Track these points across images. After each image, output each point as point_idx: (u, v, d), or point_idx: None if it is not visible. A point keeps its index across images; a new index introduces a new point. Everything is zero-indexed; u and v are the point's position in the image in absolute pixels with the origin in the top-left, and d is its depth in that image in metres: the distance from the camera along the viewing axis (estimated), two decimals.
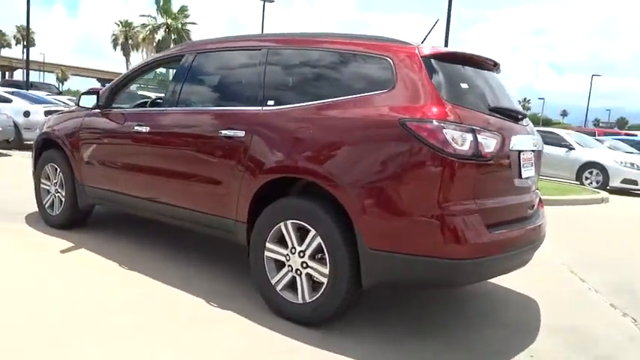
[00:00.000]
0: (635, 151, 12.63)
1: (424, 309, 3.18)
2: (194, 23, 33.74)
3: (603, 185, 10.78)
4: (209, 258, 3.87)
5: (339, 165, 2.57)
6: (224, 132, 3.04)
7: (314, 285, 2.72)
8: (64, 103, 12.53)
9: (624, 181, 10.80)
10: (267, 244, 2.87)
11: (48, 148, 4.46)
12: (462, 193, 2.40)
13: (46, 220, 4.46)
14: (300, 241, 2.74)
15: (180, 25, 33.01)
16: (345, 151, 2.58)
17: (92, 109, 4.07)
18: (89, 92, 4.00)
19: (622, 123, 75.33)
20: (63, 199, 4.28)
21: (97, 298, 2.98)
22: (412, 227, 2.41)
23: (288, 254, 2.79)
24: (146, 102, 4.27)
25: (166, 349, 2.42)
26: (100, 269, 3.47)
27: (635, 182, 10.81)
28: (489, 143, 2.46)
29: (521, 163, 2.78)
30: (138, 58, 47.99)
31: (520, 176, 2.78)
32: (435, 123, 2.38)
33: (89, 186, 4.05)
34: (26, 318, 2.64)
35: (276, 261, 2.87)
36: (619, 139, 14.78)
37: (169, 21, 32.73)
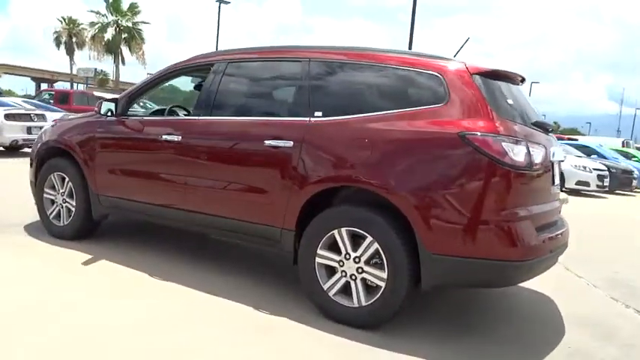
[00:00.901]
0: (582, 155, 13.61)
1: (454, 308, 3.38)
2: (146, 22, 32.73)
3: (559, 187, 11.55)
4: (240, 265, 3.91)
5: (399, 175, 2.72)
6: (270, 142, 3.11)
7: (368, 289, 2.85)
8: (19, 104, 11.90)
9: (578, 182, 11.67)
10: (319, 251, 2.96)
11: (53, 157, 4.31)
12: (517, 200, 2.61)
13: (50, 231, 4.30)
14: (354, 248, 2.86)
15: (131, 24, 31.87)
16: (404, 162, 2.73)
17: (105, 116, 3.99)
18: (109, 100, 3.91)
19: (555, 127, 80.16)
20: (73, 209, 4.16)
21: (146, 311, 2.95)
22: (472, 233, 2.60)
23: (341, 260, 2.90)
24: (161, 110, 4.22)
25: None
26: (133, 281, 3.42)
27: (587, 184, 11.71)
28: (538, 154, 2.70)
29: (554, 171, 3.05)
30: (84, 57, 45.90)
31: (554, 184, 3.04)
32: (495, 136, 2.58)
33: (105, 195, 3.97)
34: (90, 333, 2.60)
35: (327, 267, 2.97)
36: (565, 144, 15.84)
37: (120, 19, 31.52)
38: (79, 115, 4.79)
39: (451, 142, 2.63)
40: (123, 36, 31.86)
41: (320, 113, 3.04)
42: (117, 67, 32.79)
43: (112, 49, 31.58)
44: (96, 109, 3.96)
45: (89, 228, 4.22)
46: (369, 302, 2.81)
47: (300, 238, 3.07)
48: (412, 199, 2.66)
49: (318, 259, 2.97)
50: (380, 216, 2.78)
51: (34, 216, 4.80)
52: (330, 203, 3.03)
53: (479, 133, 2.59)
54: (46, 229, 4.36)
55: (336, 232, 2.90)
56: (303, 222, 3.05)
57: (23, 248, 3.96)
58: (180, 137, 3.50)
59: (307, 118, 3.06)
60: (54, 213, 4.31)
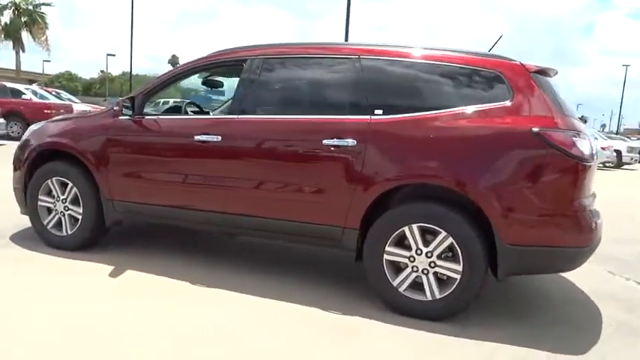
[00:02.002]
0: None
1: (493, 296, 3.57)
2: (48, 4, 29.67)
3: None
4: (279, 266, 3.82)
5: (475, 171, 2.81)
6: (329, 141, 3.06)
7: (439, 282, 2.94)
8: None
9: None
10: (387, 249, 2.99)
11: (49, 161, 3.90)
12: (583, 190, 2.82)
13: (48, 241, 3.91)
14: (425, 243, 2.93)
15: (32, 7, 28.80)
16: (478, 159, 2.83)
17: (117, 115, 3.68)
18: (127, 99, 3.58)
19: None
20: (79, 217, 3.80)
21: (219, 320, 2.82)
22: (547, 223, 2.77)
23: (412, 256, 2.95)
24: (172, 108, 3.96)
25: None
26: (179, 290, 3.22)
27: None
28: (594, 147, 2.92)
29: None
30: None
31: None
32: (564, 131, 2.76)
33: (122, 201, 3.68)
34: (183, 345, 2.43)
35: (395, 263, 3.02)
36: None
37: (19, 0, 28.35)
38: (78, 114, 4.35)
39: (524, 138, 2.77)
40: (23, 19, 28.83)
41: (380, 111, 3.04)
42: (17, 53, 29.67)
43: (10, 33, 28.45)
44: (116, 107, 3.62)
45: (98, 237, 3.89)
46: (444, 295, 2.90)
47: (363, 236, 3.08)
48: (489, 194, 2.77)
49: (386, 257, 3.00)
50: (453, 211, 2.87)
51: (16, 225, 4.35)
52: (395, 201, 3.06)
53: (550, 129, 2.76)
54: (43, 239, 3.95)
55: (406, 228, 2.94)
56: (366, 220, 3.06)
57: (26, 263, 3.57)
58: (220, 138, 3.32)
59: (367, 117, 3.05)
60: (53, 222, 3.91)
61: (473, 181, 2.80)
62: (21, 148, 4.06)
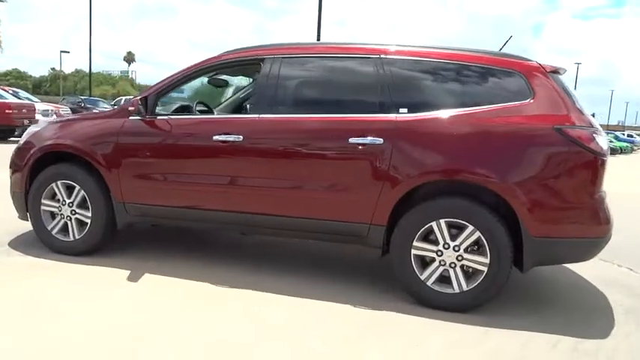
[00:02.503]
0: None
1: (512, 286, 3.72)
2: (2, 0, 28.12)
3: None
4: (293, 264, 3.83)
5: (502, 167, 2.92)
6: (355, 139, 3.10)
7: (466, 274, 3.04)
8: None
9: None
10: (415, 243, 3.07)
11: (52, 163, 3.76)
12: (601, 184, 2.98)
13: (53, 247, 3.78)
14: (452, 237, 3.02)
15: None
16: (505, 155, 2.94)
17: (128, 116, 3.60)
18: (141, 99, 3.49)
19: None
20: (88, 221, 3.69)
21: (258, 321, 2.81)
22: (570, 215, 2.92)
23: (439, 250, 3.04)
24: (182, 108, 3.89)
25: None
26: (205, 292, 3.19)
27: None
28: (608, 143, 3.08)
29: None
30: None
31: None
32: (584, 128, 2.91)
33: (134, 203, 3.60)
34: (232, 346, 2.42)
35: (423, 257, 3.10)
36: None
37: None
38: (84, 114, 4.20)
39: (546, 134, 2.90)
40: None
41: (405, 110, 3.11)
42: None
43: None
44: (131, 108, 3.51)
45: (108, 241, 3.79)
46: (471, 287, 3.00)
47: (389, 232, 3.14)
48: (515, 189, 2.89)
49: (414, 251, 3.08)
50: (481, 206, 2.97)
51: (9, 231, 4.18)
52: (419, 197, 3.13)
53: (570, 126, 2.90)
54: (47, 245, 3.82)
55: (434, 223, 3.02)
56: (392, 216, 3.13)
57: (38, 270, 3.44)
58: (241, 137, 3.30)
59: (393, 115, 3.11)
60: (58, 227, 3.78)
61: (499, 176, 2.91)
62: (21, 150, 3.89)
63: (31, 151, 3.79)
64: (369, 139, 3.08)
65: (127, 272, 3.45)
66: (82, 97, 26.57)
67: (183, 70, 3.69)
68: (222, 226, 3.61)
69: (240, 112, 4.60)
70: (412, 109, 3.10)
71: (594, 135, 2.92)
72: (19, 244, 3.98)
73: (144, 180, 3.55)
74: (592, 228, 2.94)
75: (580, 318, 3.12)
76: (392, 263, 3.16)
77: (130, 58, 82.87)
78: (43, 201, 3.78)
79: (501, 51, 3.42)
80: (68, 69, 65.27)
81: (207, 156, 3.43)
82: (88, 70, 31.12)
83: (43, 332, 2.54)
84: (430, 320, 2.92)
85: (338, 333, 2.71)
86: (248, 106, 3.58)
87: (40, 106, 15.12)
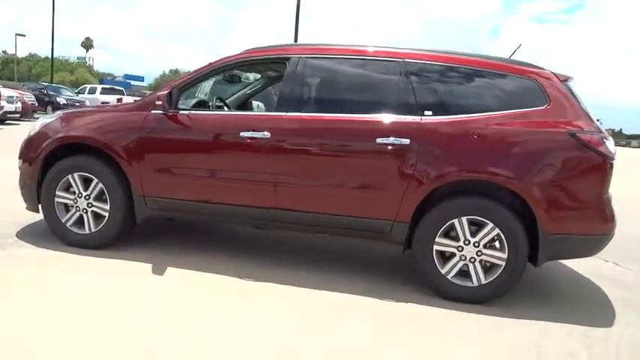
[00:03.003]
0: None
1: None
2: None
3: None
4: (311, 257, 3.94)
5: (522, 169, 3.12)
6: (383, 139, 3.24)
7: (485, 269, 3.24)
8: None
9: None
10: (437, 240, 3.24)
11: (69, 155, 3.72)
12: (609, 185, 3.23)
13: (67, 240, 3.75)
14: (472, 234, 3.21)
15: None
16: (525, 157, 3.14)
17: (148, 109, 3.61)
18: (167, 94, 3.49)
19: None
20: (105, 214, 3.68)
21: (291, 314, 2.92)
22: (581, 214, 3.16)
23: (460, 246, 3.23)
24: (201, 102, 3.92)
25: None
26: (234, 286, 3.26)
27: None
28: (615, 147, 3.34)
29: None
30: None
31: None
32: (595, 133, 3.15)
33: (155, 197, 3.62)
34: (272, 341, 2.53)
35: (443, 253, 3.28)
36: None
37: None
38: (99, 107, 4.14)
39: (561, 139, 3.12)
40: None
41: (430, 112, 3.27)
42: None
43: None
44: (159, 102, 3.50)
45: (124, 234, 3.79)
46: (489, 280, 3.21)
47: (412, 228, 3.30)
48: (533, 189, 3.10)
49: (436, 247, 3.25)
50: (500, 204, 3.17)
51: (16, 222, 4.11)
52: (439, 196, 3.30)
53: (583, 131, 3.14)
54: (60, 237, 3.78)
55: (456, 221, 3.20)
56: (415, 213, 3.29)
57: (53, 263, 3.42)
58: (268, 134, 3.37)
59: (418, 117, 3.26)
60: (73, 219, 3.75)
61: (519, 177, 3.12)
62: (33, 141, 3.83)
63: (46, 142, 3.74)
64: (396, 140, 3.22)
65: (149, 266, 3.47)
66: (44, 84, 25.50)
67: (207, 66, 3.72)
68: (245, 220, 3.68)
69: (246, 108, 4.67)
70: (436, 112, 3.27)
71: (604, 140, 3.17)
72: (27, 235, 3.93)
73: (167, 174, 3.57)
74: (600, 226, 3.20)
75: (584, 309, 3.38)
76: (414, 258, 3.33)
77: (88, 45, 79.77)
78: (57, 193, 3.74)
79: (511, 58, 3.63)
80: (21, 53, 62.20)
81: (234, 151, 3.49)
82: (42, 55, 29.88)
83: (77, 326, 2.55)
84: (452, 311, 3.10)
85: (371, 324, 2.85)
86: (275, 102, 3.64)
87: (4, 92, 14.53)
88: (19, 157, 3.92)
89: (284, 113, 3.44)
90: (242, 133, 3.42)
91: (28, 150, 3.84)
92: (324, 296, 3.20)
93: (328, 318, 2.89)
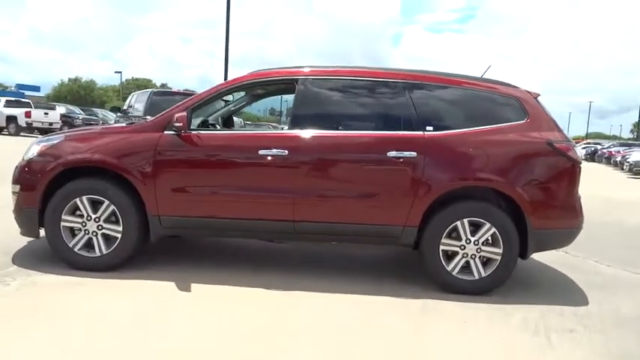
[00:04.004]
0: None
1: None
2: None
3: None
4: (327, 264, 4.19)
5: (512, 174, 3.62)
6: (393, 153, 3.59)
7: (484, 263, 3.69)
8: None
9: None
10: (443, 240, 3.65)
11: (76, 178, 3.69)
12: (578, 186, 3.82)
13: (75, 263, 3.71)
14: (471, 233, 3.65)
15: None
16: (512, 164, 3.64)
17: (160, 130, 3.69)
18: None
19: None
20: (118, 235, 3.69)
21: (326, 318, 3.16)
22: (560, 211, 3.71)
23: (463, 244, 3.65)
24: (204, 122, 4.05)
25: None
26: (263, 299, 3.43)
27: None
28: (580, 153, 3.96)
29: None
30: None
31: None
32: (569, 143, 3.73)
33: (170, 216, 3.70)
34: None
35: (447, 251, 3.68)
36: None
37: None
38: (103, 128, 4.08)
39: (543, 148, 3.67)
40: None
41: (431, 127, 3.68)
42: None
43: None
44: (179, 123, 3.57)
45: (135, 254, 3.80)
46: (488, 273, 3.66)
47: (420, 231, 3.68)
48: (522, 192, 3.60)
49: (442, 247, 3.66)
50: (495, 206, 3.65)
51: (5, 250, 4.01)
52: (445, 201, 3.70)
53: (558, 141, 3.70)
54: (67, 262, 3.74)
55: (459, 222, 3.63)
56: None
57: (77, 287, 3.41)
58: (287, 152, 3.60)
59: (421, 132, 3.66)
60: (81, 243, 3.71)
61: (510, 182, 3.61)
62: (32, 164, 3.74)
63: (50, 166, 3.67)
64: (405, 153, 3.60)
65: (172, 284, 3.54)
66: None
67: (215, 88, 3.88)
68: (264, 234, 3.86)
69: (229, 125, 4.84)
70: (438, 127, 3.69)
71: (573, 147, 3.77)
72: (26, 261, 3.81)
73: (185, 193, 3.66)
74: (574, 220, 3.78)
75: (560, 292, 3.95)
76: (423, 258, 3.71)
77: None
78: (63, 217, 3.68)
79: (483, 77, 4.15)
80: None
81: (253, 169, 3.66)
82: None
83: (146, 348, 2.64)
84: (461, 303, 3.51)
85: (407, 321, 3.18)
86: (287, 122, 3.87)
87: None
88: (15, 183, 3.80)
89: (299, 131, 3.69)
90: (260, 151, 3.61)
91: (27, 174, 3.74)
92: (349, 300, 3.47)
93: (365, 318, 3.18)
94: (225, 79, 17.14)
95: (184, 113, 3.61)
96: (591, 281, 4.27)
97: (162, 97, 11.97)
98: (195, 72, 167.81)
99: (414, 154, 3.60)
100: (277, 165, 3.62)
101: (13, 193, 3.83)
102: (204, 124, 4.15)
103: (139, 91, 13.95)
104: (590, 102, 65.84)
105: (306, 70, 3.86)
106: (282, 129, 4.37)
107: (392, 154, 3.61)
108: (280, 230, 3.74)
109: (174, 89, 12.94)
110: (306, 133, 3.67)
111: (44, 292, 3.27)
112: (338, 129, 3.77)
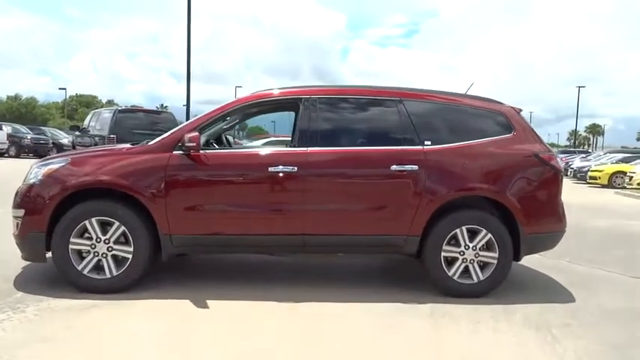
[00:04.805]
0: None
1: None
2: None
3: None
4: (336, 276, 4.33)
5: (505, 184, 3.92)
6: (396, 167, 3.82)
7: (481, 267, 3.96)
8: None
9: None
10: (444, 247, 3.90)
11: (84, 200, 3.69)
12: (561, 192, 4.18)
13: (85, 286, 3.70)
14: (470, 239, 3.92)
15: None
16: (504, 174, 3.96)
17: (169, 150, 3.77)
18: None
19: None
20: (129, 256, 3.71)
21: (347, 330, 3.31)
22: (549, 216, 4.05)
23: (462, 250, 3.92)
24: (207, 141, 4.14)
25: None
26: (273, 312, 3.55)
27: None
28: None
29: None
30: None
31: None
32: (552, 153, 4.09)
33: (182, 235, 3.76)
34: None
35: (447, 257, 3.93)
36: None
37: None
38: (108, 149, 4.06)
39: (530, 159, 4.01)
40: None
41: (429, 142, 3.94)
42: None
43: None
44: (192, 143, 3.64)
45: (145, 274, 3.82)
46: (487, 276, 3.93)
47: (422, 240, 3.91)
48: (514, 200, 3.91)
49: (443, 254, 3.90)
50: (490, 214, 3.94)
51: (3, 276, 3.95)
52: (445, 210, 3.95)
53: (542, 152, 4.06)
54: (76, 285, 3.72)
55: (458, 230, 3.89)
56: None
57: (98, 310, 3.40)
58: (296, 168, 3.75)
59: (420, 147, 3.91)
60: (90, 265, 3.70)
61: (503, 191, 3.92)
62: (37, 188, 3.70)
63: (57, 189, 3.65)
64: (407, 166, 3.83)
65: (186, 302, 3.59)
66: None
67: (220, 108, 4.00)
68: (273, 248, 3.98)
69: (221, 142, 4.93)
70: (435, 142, 3.95)
71: (555, 157, 4.14)
72: (30, 287, 3.77)
73: (196, 211, 3.74)
74: (559, 224, 4.13)
75: (547, 291, 4.29)
76: (425, 266, 3.94)
77: None
78: (72, 239, 3.66)
79: (466, 93, 4.48)
80: None
81: (263, 185, 3.79)
82: None
83: None
84: (463, 305, 3.75)
85: (421, 324, 3.38)
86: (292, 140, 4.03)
87: None
88: (18, 207, 3.74)
89: (306, 149, 3.85)
90: (272, 168, 3.75)
91: (32, 198, 3.70)
92: (363, 307, 3.64)
93: (384, 323, 3.35)
94: (188, 94, 17.01)
95: (197, 133, 3.70)
96: (572, 280, 4.64)
97: (127, 115, 11.82)
98: (141, 87, 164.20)
99: (415, 167, 3.85)
100: (287, 181, 3.77)
101: (15, 217, 3.77)
102: (206, 144, 4.23)
103: (100, 109, 13.65)
104: (531, 112, 69.42)
105: (310, 89, 4.05)
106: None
107: (395, 167, 3.83)
108: (290, 244, 3.88)
109: (138, 106, 12.70)
110: (314, 150, 3.85)
111: (63, 316, 3.25)
112: (343, 145, 3.96)
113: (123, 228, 3.69)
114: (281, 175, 3.76)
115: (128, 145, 4.09)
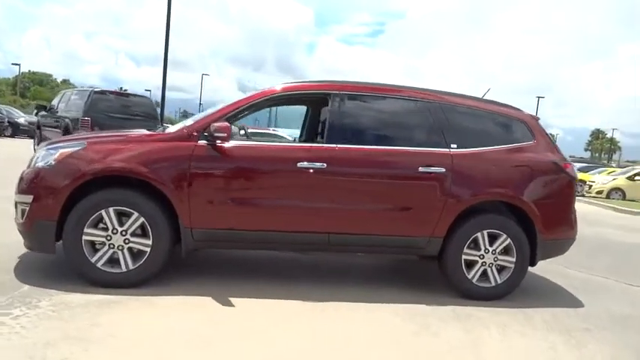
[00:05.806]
0: None
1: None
2: None
3: None
4: (349, 275, 4.28)
5: (526, 190, 3.98)
6: (424, 168, 3.81)
7: (498, 271, 4.01)
8: None
9: None
10: (465, 250, 3.92)
11: (102, 189, 3.47)
12: (575, 200, 4.29)
13: (95, 279, 3.48)
14: (489, 243, 3.96)
15: None
16: (526, 181, 4.01)
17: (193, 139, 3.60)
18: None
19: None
20: (147, 249, 3.53)
21: (381, 330, 3.27)
22: (564, 223, 4.15)
23: (482, 254, 3.95)
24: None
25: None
26: (300, 311, 3.47)
27: None
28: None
29: None
30: None
31: None
32: (566, 161, 4.19)
33: (203, 229, 3.60)
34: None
35: (467, 260, 3.96)
36: None
37: None
38: (129, 135, 3.81)
39: (550, 167, 4.09)
40: None
41: (455, 145, 3.95)
42: None
43: None
44: (223, 134, 3.47)
45: (163, 268, 3.64)
46: (504, 280, 3.99)
47: (444, 242, 3.92)
48: (534, 206, 3.97)
49: (464, 257, 3.93)
50: (510, 219, 3.99)
51: (2, 267, 3.68)
52: (467, 214, 3.96)
53: (560, 159, 4.15)
54: (87, 278, 3.49)
55: (479, 234, 3.92)
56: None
57: (116, 306, 3.22)
58: (325, 165, 3.66)
59: (447, 149, 3.91)
60: (105, 258, 3.49)
61: (525, 197, 3.98)
62: (49, 173, 3.45)
63: (74, 174, 3.41)
64: (435, 169, 3.82)
65: (209, 299, 3.45)
66: None
67: (247, 98, 3.86)
68: (296, 246, 3.87)
69: None
70: (461, 145, 3.96)
71: (571, 165, 4.24)
72: (36, 280, 3.49)
73: (220, 205, 3.59)
74: (572, 231, 4.24)
75: (555, 295, 4.41)
76: (445, 268, 3.95)
77: None
78: (86, 230, 3.43)
79: (484, 97, 4.52)
80: None
81: (290, 181, 3.68)
82: None
83: None
84: (481, 308, 3.79)
85: (454, 327, 3.39)
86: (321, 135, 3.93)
87: None
88: (25, 193, 3.48)
89: (336, 145, 3.77)
90: (300, 164, 3.64)
91: (42, 183, 3.45)
92: (390, 308, 3.62)
93: (415, 325, 3.34)
94: (164, 79, 16.38)
95: (227, 123, 3.55)
96: (574, 285, 4.79)
97: (102, 96, 11.30)
98: (98, 69, 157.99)
99: (443, 169, 3.84)
100: (316, 177, 3.67)
101: (21, 203, 3.51)
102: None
103: (72, 89, 12.97)
104: None
105: (342, 84, 3.96)
106: (295, 140, 4.39)
107: (423, 169, 3.82)
108: (314, 242, 3.79)
109: (113, 89, 12.15)
110: (343, 147, 3.77)
111: (83, 313, 3.03)
112: (370, 143, 3.90)
113: (142, 219, 3.49)
114: (310, 170, 3.66)
115: (145, 131, 3.87)
